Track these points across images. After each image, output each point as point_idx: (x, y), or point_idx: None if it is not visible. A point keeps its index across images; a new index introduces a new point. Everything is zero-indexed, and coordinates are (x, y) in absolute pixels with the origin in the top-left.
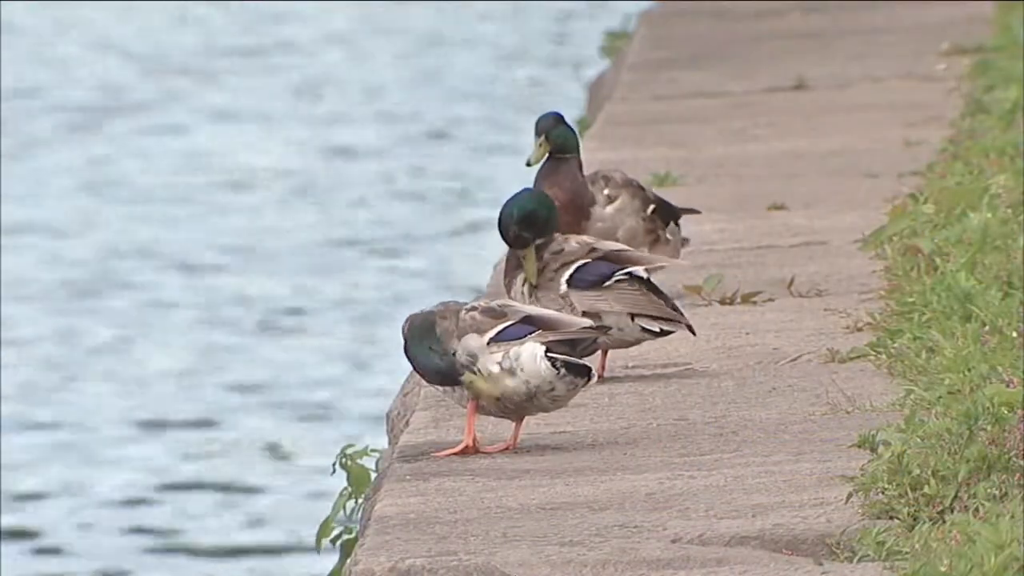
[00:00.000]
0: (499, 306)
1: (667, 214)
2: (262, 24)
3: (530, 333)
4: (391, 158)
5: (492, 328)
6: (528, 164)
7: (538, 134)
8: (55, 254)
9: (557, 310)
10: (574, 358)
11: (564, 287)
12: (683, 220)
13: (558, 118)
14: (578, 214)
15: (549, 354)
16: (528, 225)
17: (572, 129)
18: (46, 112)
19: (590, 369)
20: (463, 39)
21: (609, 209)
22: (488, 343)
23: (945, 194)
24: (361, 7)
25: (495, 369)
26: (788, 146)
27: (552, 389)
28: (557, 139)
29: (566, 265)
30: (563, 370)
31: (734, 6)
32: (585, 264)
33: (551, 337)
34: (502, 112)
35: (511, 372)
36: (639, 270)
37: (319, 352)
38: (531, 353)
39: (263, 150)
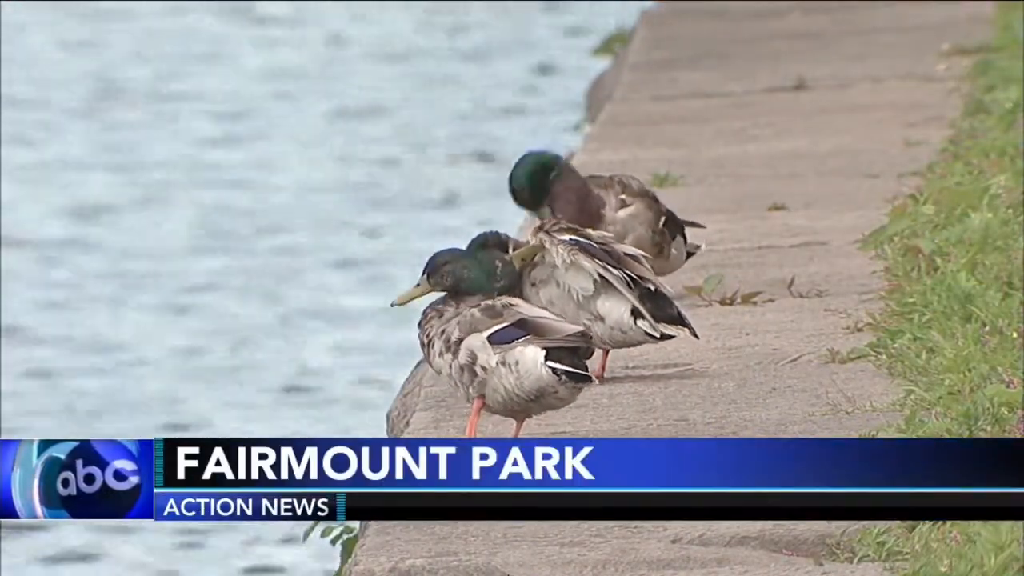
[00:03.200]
0: (501, 305)
1: (674, 227)
2: None
3: (519, 338)
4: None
5: (488, 328)
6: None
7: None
8: None
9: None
10: (572, 367)
11: (568, 237)
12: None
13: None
14: (589, 220)
15: (549, 362)
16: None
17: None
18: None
19: (589, 374)
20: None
21: (622, 213)
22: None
23: (945, 194)
24: (349, 6)
25: (493, 363)
26: (788, 146)
27: (556, 392)
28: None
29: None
30: (563, 376)
31: (734, 6)
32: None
33: (544, 343)
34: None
35: (514, 374)
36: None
37: None
38: (532, 359)
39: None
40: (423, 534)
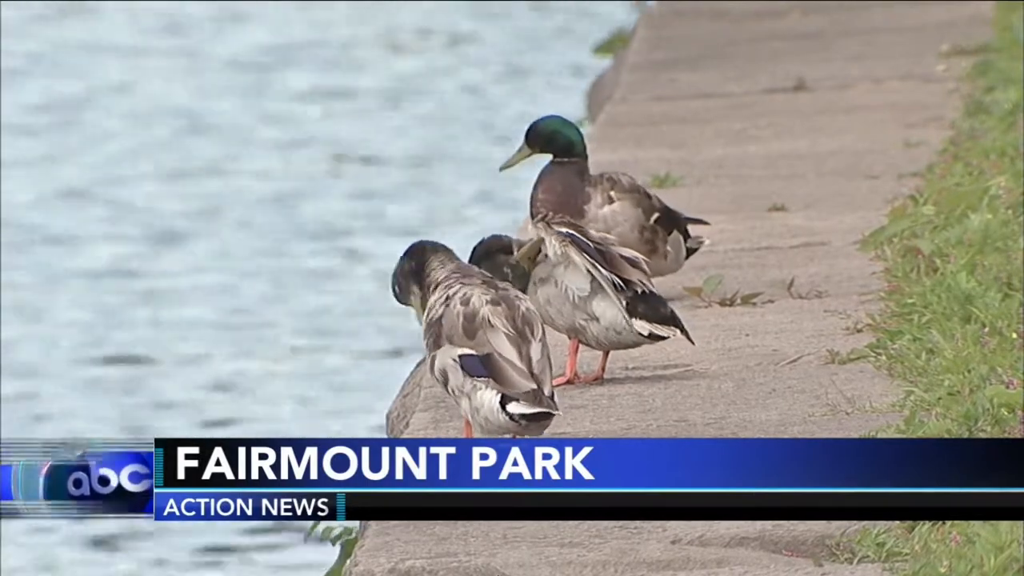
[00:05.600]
0: (480, 319)
1: (671, 223)
2: None
3: (480, 376)
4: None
5: (461, 347)
6: (500, 168)
7: (529, 143)
8: None
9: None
10: (532, 405)
11: (566, 230)
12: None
13: (562, 121)
14: (569, 214)
15: (507, 409)
16: None
17: (577, 132)
18: None
19: (548, 410)
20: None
21: (606, 210)
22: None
23: (945, 195)
24: (350, 6)
25: (465, 388)
26: (788, 147)
27: (517, 432)
28: (559, 141)
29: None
30: (523, 421)
31: (734, 6)
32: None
33: (500, 391)
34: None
35: (480, 416)
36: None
37: None
38: (490, 407)
39: None
40: (423, 535)
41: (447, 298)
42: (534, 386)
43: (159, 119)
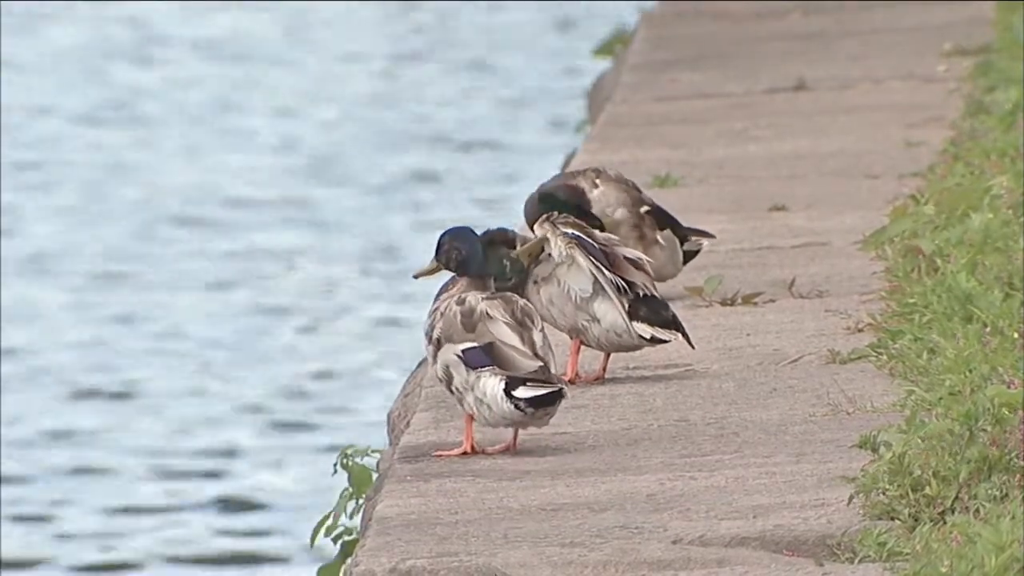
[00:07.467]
0: (479, 314)
1: (663, 220)
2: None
3: (485, 366)
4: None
5: (461, 342)
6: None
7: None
8: None
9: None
10: (536, 386)
11: (571, 231)
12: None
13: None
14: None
15: (512, 395)
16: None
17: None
18: None
19: (560, 390)
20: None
21: (595, 193)
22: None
23: (946, 195)
24: (360, 5)
25: (467, 384)
26: (789, 147)
27: (523, 422)
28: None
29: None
30: (529, 409)
31: (735, 7)
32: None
33: (506, 375)
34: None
35: (484, 406)
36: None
37: None
38: (494, 394)
39: None
40: (424, 534)
41: (441, 314)
42: (540, 363)
43: None
